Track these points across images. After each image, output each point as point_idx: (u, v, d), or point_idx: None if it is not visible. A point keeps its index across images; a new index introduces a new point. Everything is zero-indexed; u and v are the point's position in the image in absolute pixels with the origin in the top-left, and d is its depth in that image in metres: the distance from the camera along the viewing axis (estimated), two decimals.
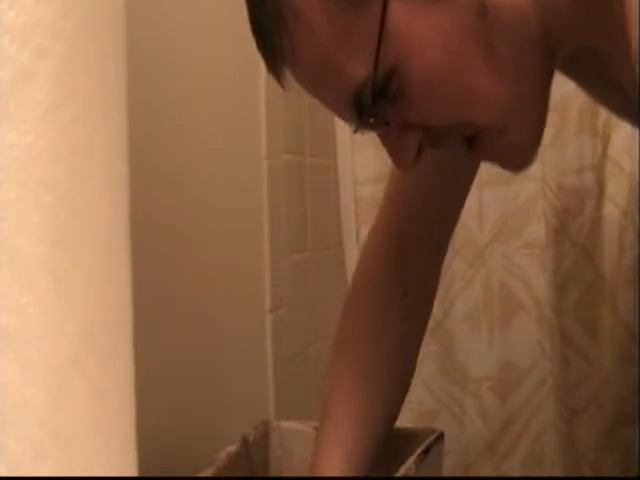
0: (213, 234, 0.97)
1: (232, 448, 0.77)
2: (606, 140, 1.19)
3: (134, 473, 0.25)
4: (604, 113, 1.19)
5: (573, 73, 0.68)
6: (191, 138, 0.93)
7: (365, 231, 1.36)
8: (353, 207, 1.36)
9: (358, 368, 0.76)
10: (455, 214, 0.81)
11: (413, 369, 0.80)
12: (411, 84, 0.55)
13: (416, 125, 0.58)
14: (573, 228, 1.22)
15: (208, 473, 0.72)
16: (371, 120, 0.57)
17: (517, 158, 0.63)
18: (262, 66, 1.15)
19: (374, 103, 0.55)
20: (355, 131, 0.60)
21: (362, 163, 1.33)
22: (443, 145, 0.61)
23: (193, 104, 0.93)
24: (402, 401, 0.79)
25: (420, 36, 0.54)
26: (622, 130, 1.17)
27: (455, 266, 1.30)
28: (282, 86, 0.60)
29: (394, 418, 0.77)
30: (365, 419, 0.73)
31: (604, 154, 1.20)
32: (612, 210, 1.19)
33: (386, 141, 0.60)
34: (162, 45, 0.87)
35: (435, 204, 0.79)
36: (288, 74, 0.59)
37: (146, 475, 0.32)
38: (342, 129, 1.36)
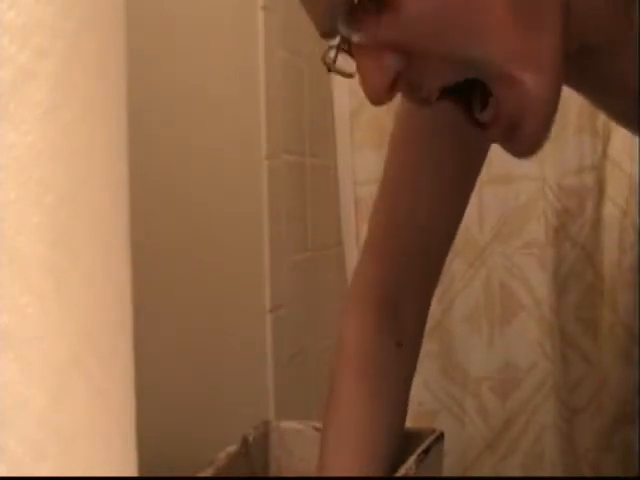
0: (213, 234, 0.97)
1: (232, 448, 0.77)
2: (606, 140, 1.20)
3: (134, 473, 0.25)
4: None
5: (576, 74, 0.65)
6: (191, 138, 0.93)
7: (365, 231, 1.36)
8: (353, 207, 1.36)
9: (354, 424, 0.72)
10: (451, 237, 0.76)
11: (406, 407, 0.76)
12: None
13: (402, 48, 0.49)
14: (573, 228, 1.22)
15: (208, 473, 0.72)
16: (348, 19, 0.47)
17: (539, 114, 0.51)
18: (262, 66, 1.15)
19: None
20: (324, 34, 0.50)
21: (362, 163, 1.33)
22: (426, 88, 0.51)
23: (193, 104, 0.93)
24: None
25: None
26: (622, 130, 1.17)
27: (455, 266, 1.30)
28: None
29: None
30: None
31: (604, 154, 1.20)
32: (612, 210, 1.19)
33: (362, 60, 0.50)
34: (162, 45, 0.87)
35: (428, 236, 0.74)
36: None
37: (146, 475, 0.32)
38: (342, 129, 1.36)
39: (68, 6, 0.22)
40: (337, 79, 1.28)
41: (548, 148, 1.28)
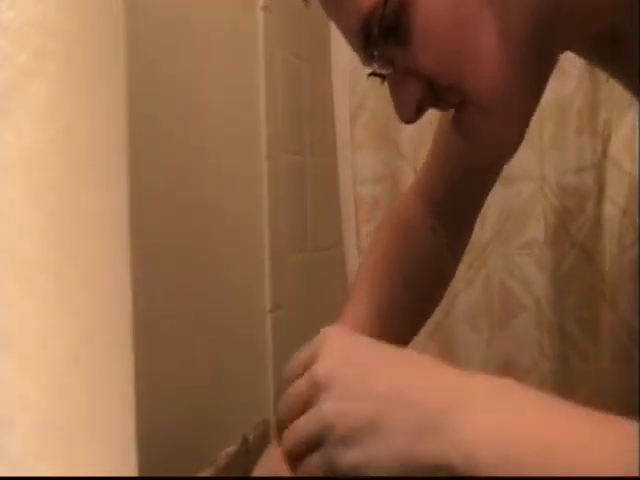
0: (213, 234, 0.97)
1: (232, 448, 0.77)
2: (606, 140, 1.20)
3: (134, 473, 0.25)
4: (604, 113, 1.19)
5: (594, 56, 0.68)
6: (191, 138, 0.93)
7: (365, 231, 1.36)
8: (353, 207, 1.36)
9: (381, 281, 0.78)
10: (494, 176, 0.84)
11: (440, 297, 0.84)
12: (416, 27, 0.55)
13: (419, 74, 0.58)
14: (573, 228, 1.22)
15: (208, 473, 0.72)
16: (375, 53, 0.58)
17: (496, 144, 0.62)
18: (262, 66, 1.15)
19: (380, 36, 0.56)
20: (363, 63, 0.60)
21: (362, 163, 1.33)
22: (441, 105, 0.61)
23: (193, 104, 0.93)
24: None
25: None
26: (622, 130, 1.17)
27: None
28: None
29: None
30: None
31: (604, 154, 1.20)
32: (612, 210, 1.19)
33: (392, 88, 0.60)
34: (162, 45, 0.87)
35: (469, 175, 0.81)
36: None
37: (146, 475, 0.32)
38: (342, 129, 1.36)
39: (68, 6, 0.22)
40: (337, 79, 1.28)
41: (548, 148, 1.27)
